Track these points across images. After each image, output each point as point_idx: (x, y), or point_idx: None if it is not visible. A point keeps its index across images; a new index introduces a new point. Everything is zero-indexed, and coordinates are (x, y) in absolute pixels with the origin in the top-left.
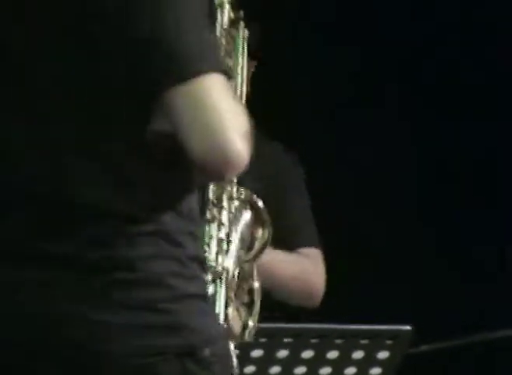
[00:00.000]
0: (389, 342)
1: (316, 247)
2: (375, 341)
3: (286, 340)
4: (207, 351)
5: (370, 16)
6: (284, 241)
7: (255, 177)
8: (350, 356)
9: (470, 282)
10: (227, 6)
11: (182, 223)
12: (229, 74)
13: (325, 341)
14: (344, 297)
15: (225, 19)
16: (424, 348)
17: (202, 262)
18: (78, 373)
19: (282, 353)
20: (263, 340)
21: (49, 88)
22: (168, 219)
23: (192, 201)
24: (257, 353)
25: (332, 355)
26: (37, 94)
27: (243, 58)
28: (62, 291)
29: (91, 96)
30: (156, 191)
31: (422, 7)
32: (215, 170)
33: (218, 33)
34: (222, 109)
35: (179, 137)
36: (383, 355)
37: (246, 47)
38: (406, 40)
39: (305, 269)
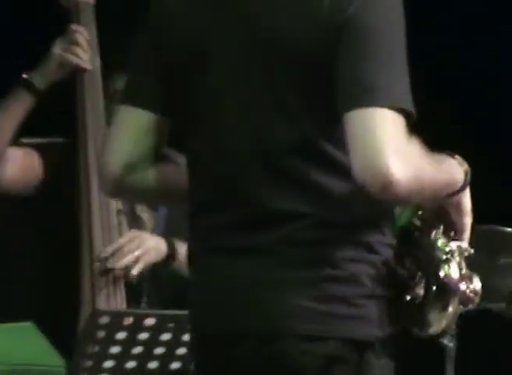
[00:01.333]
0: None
1: None
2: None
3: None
4: (380, 345)
5: None
6: None
7: None
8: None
9: None
10: None
11: (380, 236)
12: (409, 116)
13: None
14: None
15: None
16: None
17: (393, 268)
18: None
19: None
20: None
21: (246, 110)
22: (368, 231)
23: (385, 218)
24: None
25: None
26: (240, 114)
27: None
28: (267, 280)
29: (285, 108)
30: (356, 206)
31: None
32: (371, 189)
33: None
34: (386, 138)
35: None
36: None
37: None
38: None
39: None
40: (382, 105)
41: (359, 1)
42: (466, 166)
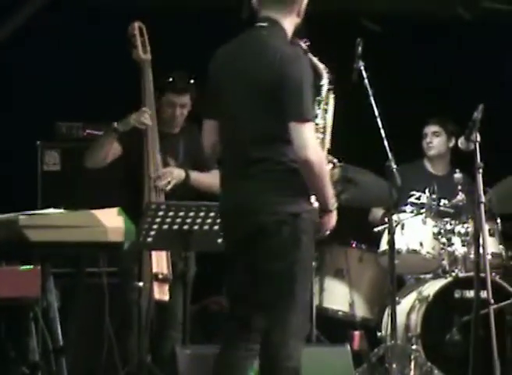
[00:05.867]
0: None
1: (216, 168)
2: None
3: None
4: (304, 215)
5: None
6: (203, 168)
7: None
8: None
9: None
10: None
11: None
12: (315, 123)
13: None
14: None
15: (325, 89)
16: None
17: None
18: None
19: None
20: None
21: (245, 113)
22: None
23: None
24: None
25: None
26: (242, 115)
27: (329, 113)
28: (243, 185)
29: (262, 115)
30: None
31: None
32: (300, 162)
33: (322, 95)
34: (310, 140)
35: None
36: None
37: (332, 106)
38: None
39: (213, 178)
40: (305, 120)
41: (292, 66)
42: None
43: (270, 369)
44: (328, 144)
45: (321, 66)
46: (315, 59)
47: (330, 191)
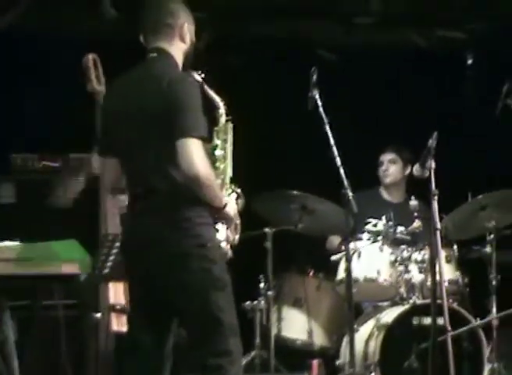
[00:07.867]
0: None
1: None
2: None
3: None
4: (209, 244)
5: None
6: None
7: None
8: None
9: None
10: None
11: (197, 207)
12: (206, 141)
13: None
14: None
15: (223, 120)
16: None
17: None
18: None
19: None
20: None
21: (139, 145)
22: (190, 204)
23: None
24: None
25: None
26: (137, 147)
27: (228, 142)
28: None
29: (154, 142)
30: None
31: None
32: (188, 179)
33: (220, 125)
34: (196, 155)
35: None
36: None
37: (231, 135)
38: None
39: None
40: (191, 136)
41: (178, 88)
42: (224, 202)
43: None
44: (230, 174)
45: (216, 97)
46: (211, 91)
47: (219, 194)
